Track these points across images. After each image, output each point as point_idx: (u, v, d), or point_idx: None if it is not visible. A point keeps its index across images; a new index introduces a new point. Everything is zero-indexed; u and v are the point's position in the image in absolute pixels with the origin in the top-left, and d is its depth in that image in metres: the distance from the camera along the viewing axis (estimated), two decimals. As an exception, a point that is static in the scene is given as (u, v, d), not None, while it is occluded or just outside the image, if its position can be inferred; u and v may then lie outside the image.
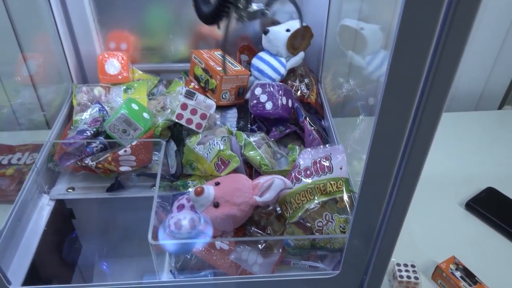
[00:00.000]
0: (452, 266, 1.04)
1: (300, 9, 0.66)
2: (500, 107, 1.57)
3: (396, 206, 0.50)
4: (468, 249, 1.07)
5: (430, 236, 1.09)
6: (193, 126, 0.84)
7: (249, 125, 0.87)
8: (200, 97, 0.84)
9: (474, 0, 0.36)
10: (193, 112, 0.84)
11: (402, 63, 0.40)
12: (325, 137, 0.89)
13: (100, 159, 0.78)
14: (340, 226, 0.65)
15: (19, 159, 1.06)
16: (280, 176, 0.64)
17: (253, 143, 0.77)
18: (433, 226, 1.12)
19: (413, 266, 1.04)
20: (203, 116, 0.84)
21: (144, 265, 0.83)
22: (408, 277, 1.01)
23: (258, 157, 0.75)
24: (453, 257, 1.05)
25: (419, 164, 0.47)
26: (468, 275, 1.02)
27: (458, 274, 1.02)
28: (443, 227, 1.14)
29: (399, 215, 0.52)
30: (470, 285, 1.00)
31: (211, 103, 0.85)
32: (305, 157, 0.71)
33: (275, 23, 0.98)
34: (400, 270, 1.03)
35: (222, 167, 0.74)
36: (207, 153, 0.76)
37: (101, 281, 0.86)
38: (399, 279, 1.01)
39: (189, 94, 0.84)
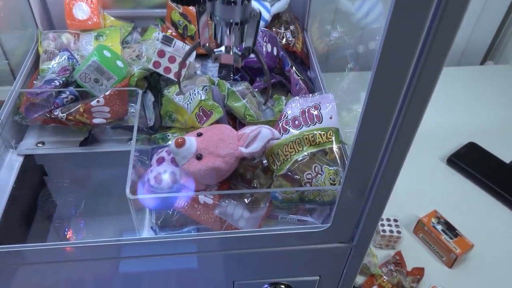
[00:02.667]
0: (433, 220, 1.04)
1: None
2: (482, 63, 1.56)
3: (392, 158, 0.47)
4: (450, 203, 1.08)
5: (412, 191, 1.09)
6: (171, 75, 0.78)
7: (231, 75, 0.82)
8: (179, 43, 0.78)
9: None
10: (171, 60, 0.78)
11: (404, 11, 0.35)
12: (311, 87, 0.85)
13: (71, 111, 0.72)
14: (330, 179, 0.62)
15: None
16: (267, 126, 0.60)
17: (237, 92, 0.72)
18: (416, 181, 1.12)
19: (395, 220, 1.04)
20: (183, 65, 0.78)
21: (123, 223, 0.79)
22: (391, 231, 1.02)
23: (242, 108, 0.70)
24: (435, 211, 1.06)
25: (417, 116, 0.44)
26: (449, 228, 1.03)
27: (439, 227, 1.02)
28: (425, 182, 1.14)
29: (395, 167, 0.49)
30: (451, 238, 1.01)
31: None
32: (292, 106, 0.66)
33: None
34: (382, 225, 1.03)
35: (204, 118, 0.70)
36: (187, 104, 0.71)
37: (78, 239, 0.82)
38: (381, 233, 1.01)
39: (167, 40, 0.77)
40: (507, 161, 1.19)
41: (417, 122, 0.44)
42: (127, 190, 0.56)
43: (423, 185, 1.13)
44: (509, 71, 1.47)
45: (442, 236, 1.00)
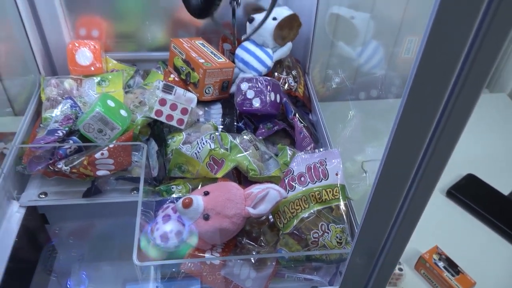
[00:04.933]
0: (435, 256, 1.04)
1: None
2: (478, 92, 1.57)
3: (405, 222, 0.47)
4: (451, 238, 1.07)
5: None
6: (174, 123, 0.78)
7: (235, 123, 0.82)
8: (180, 90, 0.78)
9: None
10: (173, 107, 0.78)
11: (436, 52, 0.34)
12: (314, 133, 0.85)
13: (74, 163, 0.71)
14: (337, 237, 0.62)
15: None
16: (275, 186, 0.60)
17: (239, 145, 0.72)
18: None
19: (397, 257, 1.03)
20: (184, 111, 0.79)
21: (125, 272, 0.78)
22: (392, 268, 1.01)
23: (245, 162, 0.70)
24: (436, 247, 1.05)
25: (435, 176, 0.43)
26: (451, 265, 1.02)
27: (441, 264, 1.02)
28: (425, 215, 1.13)
29: (407, 231, 0.49)
30: (453, 275, 1.00)
31: (192, 96, 0.79)
32: (298, 162, 0.66)
33: (259, 9, 0.92)
34: (383, 263, 1.03)
35: (216, 167, 0.70)
36: (196, 153, 0.71)
37: (79, 289, 0.81)
38: (384, 271, 1.00)
39: (167, 88, 0.78)
40: (506, 192, 1.20)
41: (435, 181, 0.44)
42: (134, 257, 0.55)
43: (423, 218, 1.13)
44: (505, 99, 1.48)
45: (444, 274, 1.00)
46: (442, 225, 1.12)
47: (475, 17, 0.31)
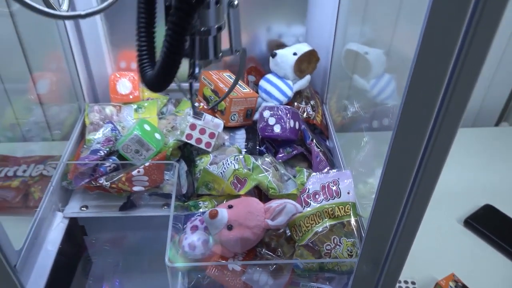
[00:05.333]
0: (451, 284, 1.07)
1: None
2: (497, 124, 1.61)
3: (405, 232, 0.53)
4: (467, 266, 1.09)
5: (429, 252, 1.11)
6: (202, 145, 0.87)
7: (257, 147, 0.90)
8: (208, 117, 0.87)
9: (493, 23, 0.38)
10: (202, 131, 0.87)
11: (420, 84, 0.41)
12: (330, 158, 0.92)
13: (114, 179, 0.80)
14: (348, 250, 0.67)
15: (24, 171, 1.09)
16: (291, 201, 0.67)
17: (261, 166, 0.80)
18: (433, 243, 1.14)
19: (413, 283, 1.06)
20: (212, 135, 0.87)
21: (155, 282, 0.85)
22: (409, 295, 1.04)
23: (265, 181, 0.78)
24: (453, 275, 1.08)
25: (428, 190, 0.50)
26: (467, 292, 1.04)
27: (457, 291, 1.05)
28: (442, 244, 1.16)
29: (407, 241, 0.55)
30: (469, 303, 1.02)
31: (219, 122, 0.88)
32: (314, 182, 0.73)
33: (282, 45, 1.02)
34: (400, 287, 1.06)
35: (239, 185, 0.77)
36: (221, 172, 0.79)
37: (111, 297, 0.88)
38: (401, 297, 1.03)
39: (197, 115, 0.87)
40: (524, 223, 1.21)
41: (431, 192, 0.50)
42: (166, 259, 0.62)
43: (440, 246, 1.14)
44: (523, 132, 1.52)
45: (460, 300, 1.02)
46: (459, 253, 1.14)
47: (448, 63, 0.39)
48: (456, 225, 1.24)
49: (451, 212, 1.23)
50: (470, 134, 1.50)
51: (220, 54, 0.57)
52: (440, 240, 1.16)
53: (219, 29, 0.53)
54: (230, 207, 0.68)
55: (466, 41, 0.38)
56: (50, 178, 0.83)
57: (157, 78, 0.51)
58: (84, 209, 0.84)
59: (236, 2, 0.53)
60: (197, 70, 0.58)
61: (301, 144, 0.92)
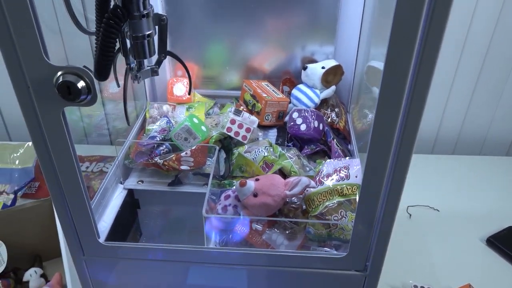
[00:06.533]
0: (468, 292, 1.12)
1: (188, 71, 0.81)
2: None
3: (388, 203, 0.67)
4: (485, 280, 1.14)
5: (449, 265, 1.17)
6: (239, 138, 1.04)
7: (286, 142, 1.06)
8: (246, 114, 1.04)
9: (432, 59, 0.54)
10: (240, 126, 1.04)
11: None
12: (348, 156, 1.06)
13: (166, 158, 0.99)
14: (352, 222, 0.81)
15: (87, 167, 1.31)
16: (306, 177, 0.82)
17: (286, 154, 0.96)
18: (453, 257, 1.19)
19: (430, 289, 1.13)
20: (248, 130, 1.04)
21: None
22: (426, 301, 1.10)
23: (289, 166, 0.93)
24: (469, 285, 1.13)
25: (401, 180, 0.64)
26: (487, 308, 1.09)
27: (476, 306, 1.09)
28: (462, 258, 1.20)
29: (392, 209, 0.68)
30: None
31: (255, 119, 1.05)
32: (328, 166, 0.88)
33: (313, 61, 1.19)
34: (417, 291, 1.13)
35: (267, 169, 0.93)
36: (253, 158, 0.96)
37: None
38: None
39: (237, 112, 1.05)
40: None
41: (405, 172, 0.64)
42: (203, 210, 0.79)
43: (461, 261, 1.20)
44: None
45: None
46: (478, 269, 1.18)
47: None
48: (479, 243, 1.30)
49: (475, 232, 1.28)
50: (501, 162, 1.57)
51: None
52: (461, 254, 1.22)
53: (149, 36, 0.69)
54: (257, 180, 0.84)
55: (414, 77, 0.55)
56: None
57: (95, 70, 0.64)
58: (140, 183, 1.03)
59: (163, 18, 0.70)
60: (133, 65, 0.72)
61: (324, 144, 1.07)
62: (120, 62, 0.73)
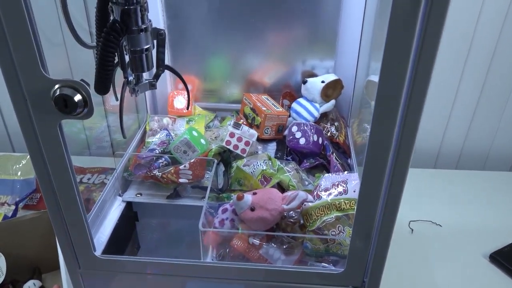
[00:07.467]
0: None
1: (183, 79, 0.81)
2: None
3: (385, 217, 0.67)
4: None
5: (451, 282, 1.15)
6: (238, 151, 1.04)
7: (285, 156, 1.06)
8: (245, 127, 1.05)
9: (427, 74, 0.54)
10: (239, 139, 1.04)
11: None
12: (348, 170, 1.05)
13: (165, 171, 0.98)
14: (350, 237, 0.80)
15: (89, 179, 1.31)
16: (304, 191, 0.82)
17: (284, 168, 0.96)
18: (455, 273, 1.17)
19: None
20: (247, 143, 1.04)
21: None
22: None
23: (287, 180, 0.93)
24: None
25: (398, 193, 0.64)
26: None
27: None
28: (465, 275, 1.19)
29: (389, 223, 0.67)
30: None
31: (254, 132, 1.05)
32: (326, 180, 0.88)
33: (313, 75, 1.19)
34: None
35: (265, 182, 0.93)
36: (251, 172, 0.95)
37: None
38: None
39: (236, 125, 1.05)
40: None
41: (402, 186, 0.63)
42: (200, 224, 0.79)
43: (463, 278, 1.19)
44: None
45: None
46: (482, 286, 1.18)
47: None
48: (482, 259, 1.28)
49: (478, 248, 1.26)
50: (505, 178, 1.56)
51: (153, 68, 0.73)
52: (464, 272, 1.20)
53: (147, 50, 0.70)
54: (254, 193, 0.84)
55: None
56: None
57: (95, 83, 0.65)
58: (139, 195, 1.03)
59: (162, 32, 0.70)
60: (130, 78, 0.72)
61: (323, 158, 1.07)
62: (119, 76, 0.73)
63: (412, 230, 1.29)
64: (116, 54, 0.65)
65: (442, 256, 1.22)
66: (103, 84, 0.65)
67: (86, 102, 0.59)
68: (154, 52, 0.73)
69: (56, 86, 0.58)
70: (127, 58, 0.71)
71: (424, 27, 0.52)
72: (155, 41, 0.72)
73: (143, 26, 0.68)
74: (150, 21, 0.69)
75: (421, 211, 1.33)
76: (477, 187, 1.48)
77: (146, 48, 0.70)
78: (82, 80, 0.60)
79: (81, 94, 0.59)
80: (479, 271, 1.20)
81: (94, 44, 0.69)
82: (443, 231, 1.30)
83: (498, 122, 1.54)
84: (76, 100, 0.58)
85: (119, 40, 0.64)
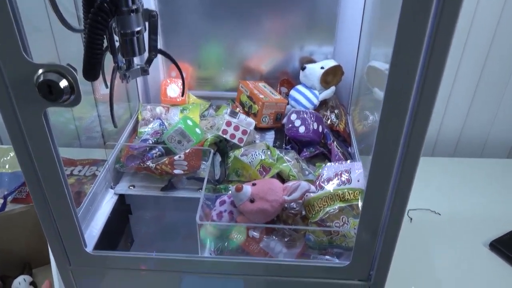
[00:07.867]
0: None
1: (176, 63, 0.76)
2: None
3: (394, 209, 0.63)
4: (488, 286, 1.12)
5: (451, 270, 1.14)
6: (235, 140, 1.00)
7: (284, 145, 1.02)
8: (242, 116, 1.00)
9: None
10: (236, 128, 1.00)
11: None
12: (349, 159, 1.02)
13: (159, 162, 0.94)
14: (354, 228, 0.77)
15: (79, 171, 1.27)
16: (306, 181, 0.78)
17: (284, 157, 0.92)
18: (456, 261, 1.16)
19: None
20: (244, 132, 1.00)
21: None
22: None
23: (287, 170, 0.89)
24: (472, 292, 1.10)
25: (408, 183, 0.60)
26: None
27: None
28: (465, 263, 1.18)
29: (398, 215, 0.64)
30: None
31: (251, 121, 1.01)
32: (329, 169, 0.84)
33: (312, 61, 1.15)
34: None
35: (264, 173, 0.89)
36: (250, 162, 0.91)
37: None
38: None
39: (233, 114, 1.00)
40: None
41: (412, 176, 0.60)
42: (197, 217, 0.75)
43: (464, 266, 1.18)
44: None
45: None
46: (483, 275, 1.16)
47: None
48: (482, 247, 1.27)
49: (477, 236, 1.25)
50: (504, 164, 1.55)
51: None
52: (464, 260, 1.19)
53: (138, 33, 0.65)
54: (254, 184, 0.80)
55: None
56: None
57: (83, 69, 0.60)
58: (132, 188, 0.98)
59: (154, 13, 0.65)
60: (121, 64, 0.67)
61: (323, 146, 1.03)
62: (109, 62, 0.69)
63: (411, 219, 1.26)
64: (105, 37, 0.61)
65: (442, 245, 1.20)
66: (92, 69, 0.60)
67: (73, 88, 0.55)
68: (146, 35, 0.68)
69: (40, 71, 0.54)
70: (117, 43, 0.66)
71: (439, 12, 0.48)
72: (147, 24, 0.67)
73: (134, 7, 0.63)
74: (141, 1, 0.64)
75: (420, 200, 1.31)
76: (475, 174, 1.46)
77: (137, 31, 0.65)
78: (68, 64, 0.55)
79: (67, 79, 0.54)
80: (479, 259, 1.19)
81: (82, 28, 0.64)
82: (442, 219, 1.28)
83: (496, 109, 1.51)
84: (62, 86, 0.54)
85: (108, 22, 0.59)
